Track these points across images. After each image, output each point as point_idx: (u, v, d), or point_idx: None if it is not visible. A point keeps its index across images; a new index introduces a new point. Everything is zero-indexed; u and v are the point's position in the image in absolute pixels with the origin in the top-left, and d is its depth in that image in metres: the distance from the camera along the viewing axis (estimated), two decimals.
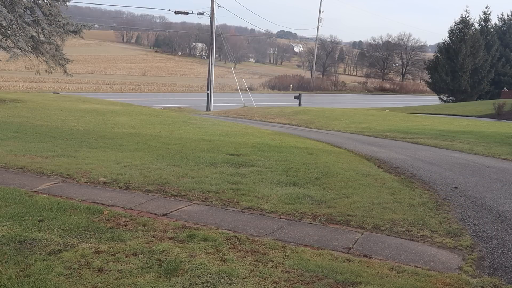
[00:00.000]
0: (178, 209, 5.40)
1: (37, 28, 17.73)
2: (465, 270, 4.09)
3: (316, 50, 72.71)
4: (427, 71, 57.15)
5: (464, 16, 51.20)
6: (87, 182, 6.39)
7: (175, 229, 4.63)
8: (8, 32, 17.12)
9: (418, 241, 4.80)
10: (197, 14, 33.59)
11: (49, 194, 5.68)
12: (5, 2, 16.13)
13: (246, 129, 15.22)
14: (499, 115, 28.51)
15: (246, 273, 3.68)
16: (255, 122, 21.51)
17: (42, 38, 17.98)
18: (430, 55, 75.57)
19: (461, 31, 50.84)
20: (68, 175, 6.69)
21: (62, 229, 4.38)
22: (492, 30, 54.16)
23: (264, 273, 3.71)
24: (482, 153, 12.04)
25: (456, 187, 7.59)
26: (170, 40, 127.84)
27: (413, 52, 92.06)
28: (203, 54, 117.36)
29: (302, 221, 5.19)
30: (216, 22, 33.58)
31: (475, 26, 52.10)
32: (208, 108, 32.49)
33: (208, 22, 34.95)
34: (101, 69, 72.74)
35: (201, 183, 6.57)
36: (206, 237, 4.39)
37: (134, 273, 3.55)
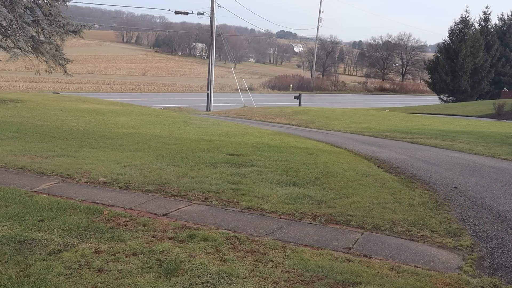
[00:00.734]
0: (178, 209, 5.40)
1: (37, 28, 17.73)
2: (465, 270, 4.09)
3: (316, 50, 72.71)
4: (427, 71, 57.15)
5: (464, 16, 51.21)
6: (87, 182, 6.39)
7: (175, 229, 4.63)
8: (8, 32, 17.13)
9: (418, 241, 4.80)
10: (197, 14, 33.60)
11: (49, 194, 5.68)
12: (5, 2, 16.13)
13: (246, 129, 15.22)
14: (499, 115, 28.51)
15: (246, 273, 3.68)
16: (255, 122, 21.51)
17: (42, 38, 17.98)
18: (430, 55, 75.56)
19: (461, 31, 50.84)
20: (68, 175, 6.69)
21: (62, 229, 4.38)
22: (492, 30, 54.15)
23: (264, 273, 3.71)
24: (482, 153, 12.04)
25: (456, 187, 7.59)
26: (170, 40, 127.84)
27: (413, 52, 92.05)
28: (203, 54, 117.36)
29: (302, 221, 5.19)
30: (216, 22, 33.59)
31: (475, 26, 52.10)
32: (208, 108, 32.49)
33: (208, 22, 34.95)
34: (101, 69, 72.73)
35: (201, 183, 6.57)
36: (206, 237, 4.39)
37: (134, 273, 3.55)
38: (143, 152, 8.91)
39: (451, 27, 52.19)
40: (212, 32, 33.56)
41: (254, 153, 9.46)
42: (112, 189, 6.15)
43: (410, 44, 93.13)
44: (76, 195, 5.72)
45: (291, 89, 59.85)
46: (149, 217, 4.97)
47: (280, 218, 5.28)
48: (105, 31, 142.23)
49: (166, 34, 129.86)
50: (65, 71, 19.29)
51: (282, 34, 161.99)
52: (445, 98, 52.76)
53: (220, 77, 64.45)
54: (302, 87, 62.15)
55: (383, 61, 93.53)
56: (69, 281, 3.36)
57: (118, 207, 5.34)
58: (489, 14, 53.77)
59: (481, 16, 54.09)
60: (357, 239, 4.71)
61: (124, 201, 5.59)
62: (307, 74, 75.23)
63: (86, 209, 5.07)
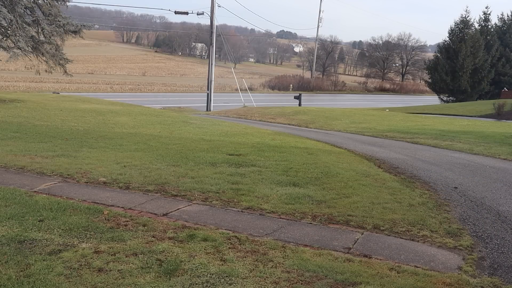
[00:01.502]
0: (178, 209, 5.40)
1: (37, 28, 17.73)
2: (465, 270, 4.09)
3: (316, 50, 72.72)
4: (427, 71, 57.14)
5: (464, 16, 51.20)
6: (87, 182, 6.39)
7: (175, 229, 4.63)
8: (8, 32, 17.13)
9: (418, 241, 4.80)
10: (197, 14, 33.60)
11: (49, 194, 5.68)
12: (5, 2, 16.13)
13: (246, 129, 15.22)
14: (499, 115, 28.51)
15: (246, 273, 3.68)
16: (255, 122, 21.50)
17: (42, 38, 17.98)
18: (430, 55, 75.56)
19: (461, 31, 50.83)
20: (68, 175, 6.69)
21: (62, 229, 4.38)
22: (492, 30, 54.14)
23: (264, 273, 3.71)
24: (482, 153, 12.04)
25: (456, 187, 7.59)
26: (170, 40, 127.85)
27: (413, 52, 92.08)
28: (203, 54, 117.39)
29: (302, 221, 5.19)
30: (216, 22, 33.59)
31: (475, 26, 52.09)
32: (208, 108, 32.49)
33: (208, 22, 34.95)
34: (101, 69, 72.74)
35: (201, 183, 6.57)
36: (206, 237, 4.39)
37: (134, 273, 3.55)
38: (143, 152, 8.91)
39: (451, 27, 52.18)
40: (212, 32, 33.56)
41: (254, 153, 9.46)
42: (112, 189, 6.15)
43: (410, 44, 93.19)
44: (76, 195, 5.72)
45: (291, 89, 59.85)
46: (149, 217, 4.97)
47: (280, 218, 5.28)
48: (105, 31, 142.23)
49: (166, 34, 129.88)
50: (65, 71, 19.29)
51: (282, 34, 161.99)
52: (445, 98, 52.76)
53: (220, 77, 64.45)
54: (302, 87, 62.16)
55: (383, 61, 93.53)
56: (69, 281, 3.36)
57: (118, 207, 5.33)
58: (489, 14, 53.76)
59: (481, 16, 54.10)
60: (357, 239, 4.71)
61: (124, 201, 5.59)
62: (307, 74, 75.23)
63: (86, 209, 5.06)
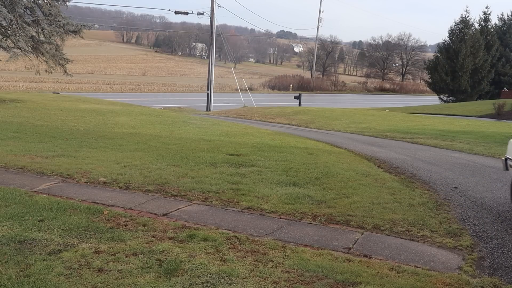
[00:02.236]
0: (178, 209, 5.40)
1: (37, 28, 17.73)
2: (465, 270, 4.09)
3: (316, 50, 72.72)
4: (427, 71, 57.13)
5: (464, 16, 51.20)
6: (87, 182, 6.39)
7: (175, 229, 4.63)
8: (8, 32, 17.13)
9: (418, 241, 4.79)
10: (197, 14, 33.60)
11: (49, 194, 5.68)
12: (5, 2, 16.13)
13: (246, 129, 15.22)
14: (499, 115, 28.52)
15: (246, 273, 3.68)
16: (255, 122, 21.50)
17: (42, 38, 17.98)
18: (430, 55, 75.57)
19: (461, 31, 50.83)
20: (68, 175, 6.69)
21: (62, 229, 4.38)
22: (492, 30, 54.12)
23: (264, 273, 3.71)
24: (482, 153, 12.04)
25: (456, 187, 7.59)
26: (170, 40, 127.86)
27: (413, 52, 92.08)
28: (203, 54, 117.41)
29: (302, 221, 5.19)
30: (216, 22, 33.59)
31: (475, 26, 52.08)
32: (208, 108, 32.49)
33: (208, 22, 34.96)
34: (101, 69, 72.75)
35: (201, 183, 6.57)
36: (206, 237, 4.39)
37: (134, 273, 3.55)
38: (143, 152, 8.91)
39: (451, 27, 52.18)
40: (212, 32, 33.56)
41: (254, 153, 9.46)
42: (112, 189, 6.14)
43: (410, 44, 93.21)
44: (76, 195, 5.72)
45: (291, 89, 59.85)
46: (149, 217, 4.97)
47: (280, 218, 5.28)
48: (105, 31, 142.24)
49: (166, 34, 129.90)
50: (65, 71, 19.29)
51: (282, 34, 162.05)
52: (445, 98, 52.76)
53: (220, 77, 64.45)
54: (302, 87, 62.16)
55: (383, 61, 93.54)
56: (69, 281, 3.36)
57: (118, 207, 5.33)
58: (489, 14, 53.73)
59: (481, 16, 54.06)
60: (357, 239, 4.71)
61: (124, 201, 5.59)
62: (307, 74, 75.23)
63: (86, 209, 5.06)
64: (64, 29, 18.05)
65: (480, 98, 50.80)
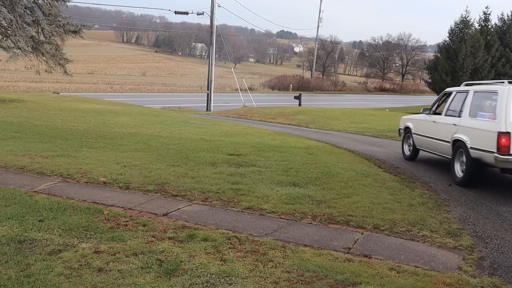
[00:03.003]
0: (178, 209, 5.40)
1: (37, 28, 17.74)
2: (465, 270, 4.09)
3: (316, 50, 72.69)
4: (427, 71, 57.12)
5: (464, 16, 51.19)
6: (87, 182, 6.39)
7: (175, 229, 4.63)
8: (8, 32, 17.13)
9: (418, 241, 4.80)
10: (197, 14, 33.60)
11: (49, 194, 5.68)
12: (5, 2, 16.13)
13: (246, 129, 15.22)
14: None
15: (246, 273, 3.68)
16: (255, 122, 21.50)
17: (42, 38, 17.99)
18: (430, 55, 75.56)
19: (461, 31, 50.84)
20: (68, 175, 6.69)
21: (62, 229, 4.38)
22: (492, 30, 54.10)
23: (264, 273, 3.71)
24: None
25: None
26: (170, 40, 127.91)
27: (413, 52, 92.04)
28: (203, 54, 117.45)
29: (302, 221, 5.19)
30: (216, 22, 33.59)
31: (475, 26, 52.07)
32: (208, 108, 32.49)
33: (208, 22, 34.95)
34: (101, 69, 72.77)
35: (201, 183, 6.57)
36: (206, 237, 4.39)
37: (134, 273, 3.55)
38: (143, 152, 8.91)
39: (451, 27, 52.15)
40: (212, 32, 33.56)
41: (254, 153, 9.46)
42: (112, 189, 6.14)
43: (410, 44, 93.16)
44: (76, 195, 5.72)
45: (291, 89, 59.84)
46: (149, 217, 4.97)
47: (280, 218, 5.28)
48: (105, 31, 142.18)
49: (166, 34, 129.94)
50: (65, 71, 19.29)
51: (282, 34, 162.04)
52: None
53: (220, 77, 64.45)
54: (302, 87, 62.15)
55: (383, 61, 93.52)
56: (69, 281, 3.36)
57: (118, 207, 5.33)
58: (489, 14, 53.70)
59: (481, 16, 54.01)
60: (357, 239, 4.71)
61: (124, 201, 5.59)
62: (307, 74, 75.22)
63: (86, 209, 5.06)
64: (64, 29, 18.06)
65: None
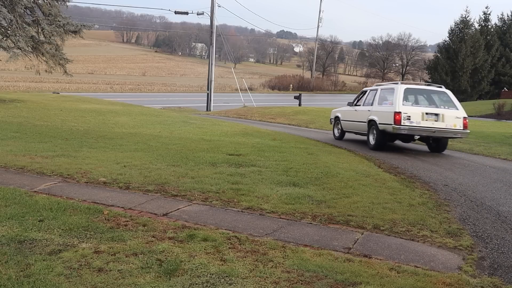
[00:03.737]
0: (178, 209, 5.40)
1: (37, 28, 17.74)
2: (465, 270, 4.09)
3: (316, 50, 72.71)
4: (427, 71, 57.19)
5: (464, 16, 51.27)
6: (87, 182, 6.38)
7: (175, 229, 4.63)
8: (8, 32, 17.13)
9: (418, 241, 4.79)
10: (197, 14, 33.62)
11: (49, 194, 5.67)
12: (5, 2, 16.13)
13: (246, 129, 15.22)
14: (499, 115, 28.53)
15: (246, 273, 3.68)
16: (255, 122, 21.51)
17: (42, 38, 18.00)
18: (430, 55, 75.55)
19: (461, 31, 50.88)
20: (68, 175, 6.69)
21: (62, 229, 4.38)
22: (492, 30, 54.15)
23: (264, 273, 3.71)
24: (482, 153, 12.05)
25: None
26: (170, 40, 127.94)
27: (413, 52, 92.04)
28: (203, 54, 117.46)
29: (302, 221, 5.19)
30: (216, 22, 33.60)
31: (475, 26, 52.13)
32: (208, 108, 32.50)
33: (208, 22, 34.96)
34: (101, 69, 72.79)
35: (201, 183, 6.57)
36: (206, 237, 4.39)
37: (134, 273, 3.55)
38: (143, 152, 8.91)
39: (451, 27, 52.26)
40: (212, 32, 33.56)
41: (254, 153, 9.46)
42: (112, 189, 6.14)
43: (410, 44, 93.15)
44: (76, 195, 5.72)
45: (291, 89, 59.86)
46: (149, 217, 4.97)
47: (280, 218, 5.27)
48: (105, 31, 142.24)
49: (166, 34, 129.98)
50: (65, 71, 19.30)
51: (282, 34, 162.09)
52: None
53: (220, 77, 64.46)
54: (302, 87, 62.20)
55: (383, 61, 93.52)
56: (69, 281, 3.36)
57: (118, 207, 5.33)
58: (489, 14, 53.80)
59: (481, 16, 54.13)
60: (357, 239, 4.70)
61: (124, 201, 5.59)
62: (307, 74, 75.22)
63: (86, 209, 5.06)
64: (64, 29, 18.06)
65: (480, 98, 50.83)
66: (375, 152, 11.42)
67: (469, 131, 11.46)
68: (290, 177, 7.28)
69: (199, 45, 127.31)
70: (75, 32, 18.49)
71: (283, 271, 3.78)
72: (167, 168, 7.44)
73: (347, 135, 14.58)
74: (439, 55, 53.37)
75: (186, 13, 34.26)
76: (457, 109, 11.36)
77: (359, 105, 13.14)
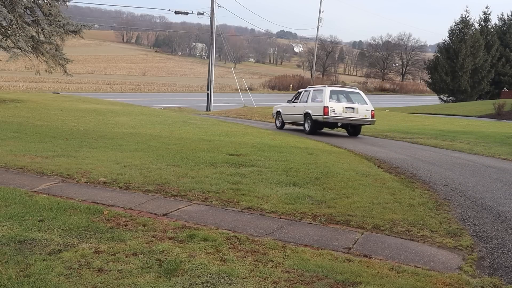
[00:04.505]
0: (178, 209, 5.40)
1: (37, 28, 17.74)
2: (465, 270, 4.09)
3: (316, 50, 72.64)
4: (427, 71, 57.19)
5: (464, 16, 51.26)
6: (87, 182, 6.38)
7: (175, 229, 4.62)
8: (8, 32, 17.13)
9: (418, 241, 4.79)
10: (197, 14, 33.62)
11: (49, 194, 5.67)
12: (5, 2, 16.12)
13: (246, 129, 15.22)
14: (499, 115, 28.54)
15: (246, 273, 3.68)
16: (255, 122, 21.51)
17: (42, 38, 17.99)
18: (430, 55, 75.59)
19: (461, 31, 50.87)
20: (68, 175, 6.69)
21: (62, 229, 4.38)
22: (492, 30, 54.14)
23: (264, 273, 3.71)
24: (482, 153, 12.05)
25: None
26: (170, 40, 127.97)
27: (413, 52, 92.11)
28: (203, 54, 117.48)
29: (302, 221, 5.19)
30: (216, 22, 33.61)
31: (475, 26, 52.12)
32: (208, 108, 32.50)
33: (208, 22, 34.96)
34: (101, 69, 72.80)
35: (201, 183, 6.56)
36: (206, 237, 4.39)
37: (134, 273, 3.55)
38: (143, 152, 8.91)
39: (451, 27, 52.25)
40: (212, 32, 33.56)
41: (254, 153, 9.46)
42: (112, 189, 6.14)
43: (410, 44, 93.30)
44: (76, 195, 5.72)
45: (291, 89, 59.86)
46: (149, 217, 4.97)
47: (280, 218, 5.27)
48: (105, 31, 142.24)
49: (166, 34, 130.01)
50: (65, 71, 19.30)
51: (282, 34, 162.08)
52: (445, 98, 52.78)
53: (220, 77, 64.46)
54: (302, 87, 62.05)
55: (383, 61, 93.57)
56: (69, 281, 3.36)
57: (118, 207, 5.33)
58: (489, 14, 53.80)
59: (481, 16, 54.12)
60: (357, 239, 4.70)
61: (124, 201, 5.59)
62: (307, 74, 75.23)
63: (86, 209, 5.06)
64: (64, 29, 18.06)
65: (480, 98, 50.83)
66: (376, 152, 11.43)
67: (375, 119, 15.61)
68: (290, 177, 7.28)
69: (199, 45, 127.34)
70: (75, 32, 18.49)
71: (283, 271, 3.78)
72: (167, 168, 7.43)
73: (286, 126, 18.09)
74: (439, 55, 53.36)
75: (186, 13, 34.27)
76: (367, 104, 15.42)
77: (296, 102, 16.96)
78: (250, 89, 46.10)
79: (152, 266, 3.70)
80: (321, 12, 66.98)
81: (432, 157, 11.05)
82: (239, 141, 11.62)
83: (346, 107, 15.09)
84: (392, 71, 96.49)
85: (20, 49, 17.33)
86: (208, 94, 32.96)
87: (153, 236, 4.38)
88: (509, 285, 3.84)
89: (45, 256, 3.74)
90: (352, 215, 5.46)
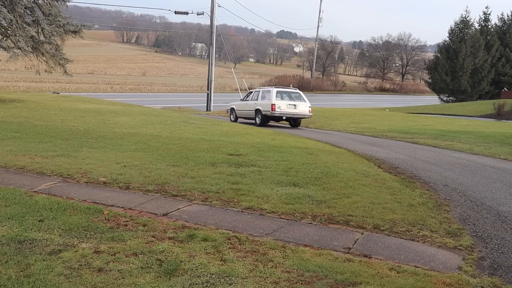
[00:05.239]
0: (178, 209, 5.40)
1: (37, 28, 17.73)
2: (465, 270, 4.09)
3: (316, 50, 72.67)
4: (427, 71, 57.18)
5: (464, 16, 51.23)
6: (87, 182, 6.38)
7: (175, 229, 4.63)
8: (8, 32, 17.13)
9: (418, 241, 4.79)
10: (197, 14, 33.62)
11: (49, 194, 5.67)
12: (5, 2, 16.12)
13: (246, 129, 15.22)
14: (499, 115, 28.54)
15: (246, 273, 3.68)
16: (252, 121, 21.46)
17: (42, 38, 17.98)
18: (430, 55, 75.60)
19: (461, 31, 50.86)
20: (68, 175, 6.69)
21: (62, 229, 4.38)
22: (492, 30, 54.11)
23: (264, 273, 3.71)
24: (482, 153, 12.05)
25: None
26: (170, 40, 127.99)
27: (413, 52, 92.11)
28: (203, 54, 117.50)
29: (302, 221, 5.19)
30: (216, 22, 33.59)
31: (475, 26, 52.10)
32: (208, 108, 32.48)
33: (208, 22, 34.96)
34: (101, 69, 72.81)
35: (201, 183, 6.57)
36: (206, 237, 4.39)
37: (134, 273, 3.55)
38: (143, 152, 8.90)
39: (451, 27, 52.23)
40: (212, 32, 33.55)
41: (254, 153, 9.46)
42: (112, 189, 6.14)
43: (410, 44, 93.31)
44: (76, 195, 5.72)
45: None
46: (149, 217, 4.97)
47: (280, 218, 5.27)
48: (105, 31, 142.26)
49: (166, 34, 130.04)
50: (65, 71, 19.29)
51: (282, 34, 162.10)
52: (445, 98, 52.77)
53: (220, 77, 64.48)
54: (302, 87, 62.07)
55: (383, 61, 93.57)
56: (69, 281, 3.36)
57: (118, 207, 5.33)
58: (489, 14, 53.76)
59: (481, 16, 54.08)
60: (357, 239, 4.70)
61: (124, 201, 5.59)
62: (307, 74, 75.22)
63: (86, 209, 5.06)
64: (64, 29, 18.05)
65: (480, 98, 50.82)
66: (375, 152, 11.44)
67: (312, 114, 19.39)
68: (290, 177, 7.28)
69: (199, 45, 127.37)
70: (75, 32, 18.47)
71: (283, 271, 3.78)
72: (167, 168, 7.43)
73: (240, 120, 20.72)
74: (439, 55, 53.34)
75: (186, 13, 34.26)
76: (306, 102, 19.05)
77: (248, 100, 20.34)
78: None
79: (152, 266, 3.70)
80: (321, 12, 67.01)
81: (432, 157, 11.05)
82: (239, 141, 11.62)
83: (289, 104, 18.51)
84: (392, 71, 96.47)
85: (20, 49, 17.32)
86: (208, 94, 32.94)
87: (153, 236, 4.38)
88: (509, 285, 3.84)
89: (45, 256, 3.74)
90: (352, 215, 5.46)
